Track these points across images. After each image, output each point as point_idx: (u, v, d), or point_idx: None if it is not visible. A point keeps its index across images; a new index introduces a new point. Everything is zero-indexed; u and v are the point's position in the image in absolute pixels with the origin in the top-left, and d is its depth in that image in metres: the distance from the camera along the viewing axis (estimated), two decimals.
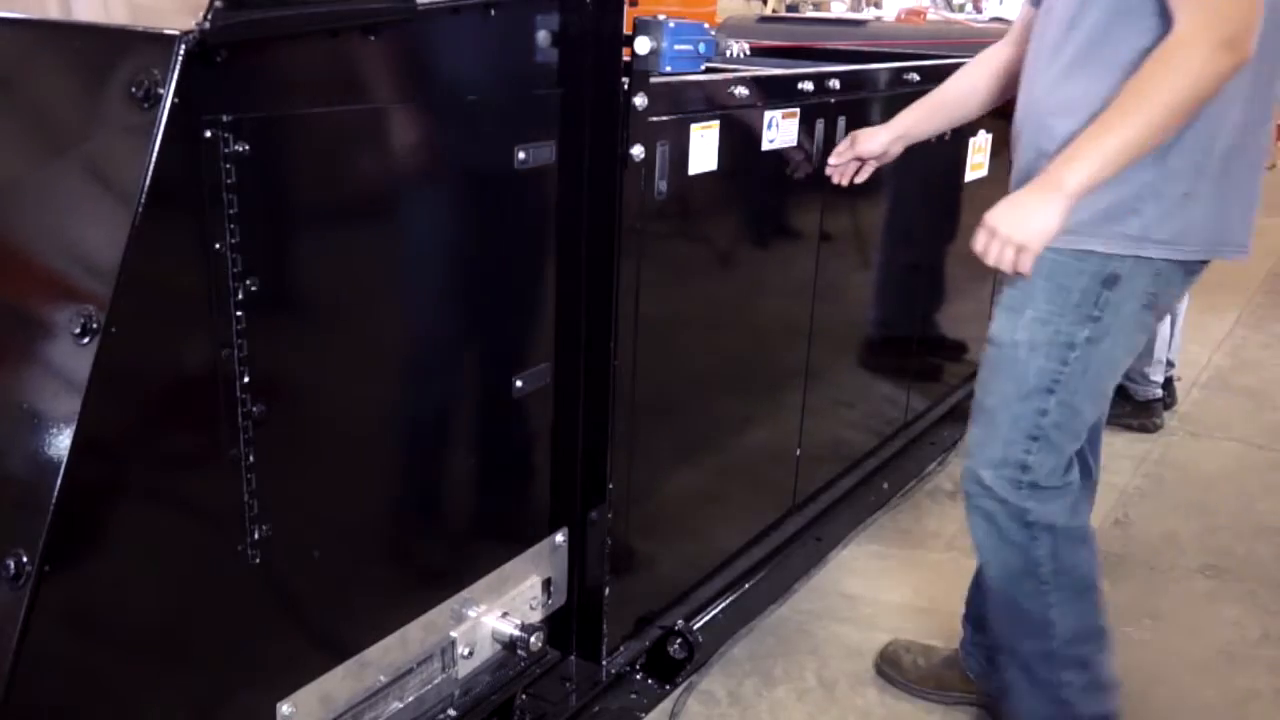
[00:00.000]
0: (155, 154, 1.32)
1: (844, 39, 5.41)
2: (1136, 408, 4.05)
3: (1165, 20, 1.72)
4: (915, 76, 3.12)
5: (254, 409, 1.53)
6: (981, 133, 3.51)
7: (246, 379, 1.51)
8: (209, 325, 1.46)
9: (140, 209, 1.31)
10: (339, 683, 1.80)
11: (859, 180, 2.56)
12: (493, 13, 1.77)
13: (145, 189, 1.31)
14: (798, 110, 2.52)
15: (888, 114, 2.59)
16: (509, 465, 2.10)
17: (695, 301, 2.41)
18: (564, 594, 2.28)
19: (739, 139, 2.35)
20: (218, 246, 1.44)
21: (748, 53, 2.63)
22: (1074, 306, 1.90)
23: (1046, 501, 2.03)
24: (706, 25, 2.10)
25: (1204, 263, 1.94)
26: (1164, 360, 4.09)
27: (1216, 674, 2.66)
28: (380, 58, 1.61)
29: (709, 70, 2.25)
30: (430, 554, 1.96)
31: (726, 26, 5.72)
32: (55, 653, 1.35)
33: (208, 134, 1.39)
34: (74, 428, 1.30)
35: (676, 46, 2.02)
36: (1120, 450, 3.91)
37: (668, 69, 2.03)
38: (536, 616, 2.20)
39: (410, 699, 1.97)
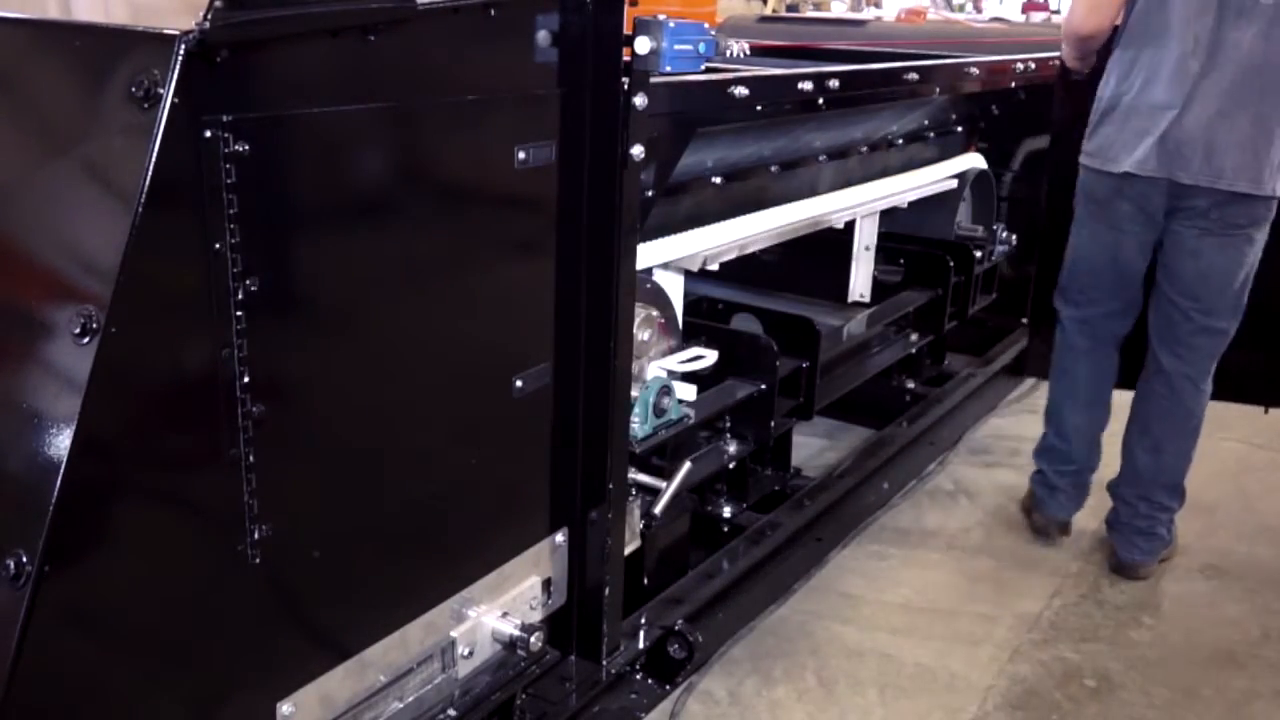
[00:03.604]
0: (155, 154, 1.32)
1: (844, 39, 5.42)
2: None
3: None
4: (915, 76, 3.12)
5: (254, 409, 1.53)
6: None
7: (246, 379, 1.51)
8: (209, 325, 1.46)
9: (140, 209, 1.31)
10: (339, 683, 1.80)
11: None
12: (493, 13, 1.77)
13: (145, 189, 1.31)
14: None
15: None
16: (509, 465, 2.09)
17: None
18: (564, 594, 2.28)
19: None
20: (218, 246, 1.44)
21: (748, 53, 2.64)
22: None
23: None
24: (706, 25, 2.10)
25: (1124, 178, 2.85)
26: None
27: (1216, 674, 2.66)
28: (380, 58, 1.61)
29: (709, 70, 2.25)
30: (430, 554, 1.96)
31: (726, 26, 5.73)
32: (55, 653, 1.35)
33: (208, 134, 1.39)
34: (74, 428, 1.30)
35: (676, 46, 2.02)
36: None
37: (668, 69, 2.03)
38: (536, 616, 2.20)
39: (410, 699, 1.97)
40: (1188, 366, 2.94)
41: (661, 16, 2.01)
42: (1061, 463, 3.23)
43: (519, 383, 2.03)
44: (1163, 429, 3.01)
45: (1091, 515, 3.41)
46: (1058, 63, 3.67)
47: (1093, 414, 3.17)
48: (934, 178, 3.80)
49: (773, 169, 3.03)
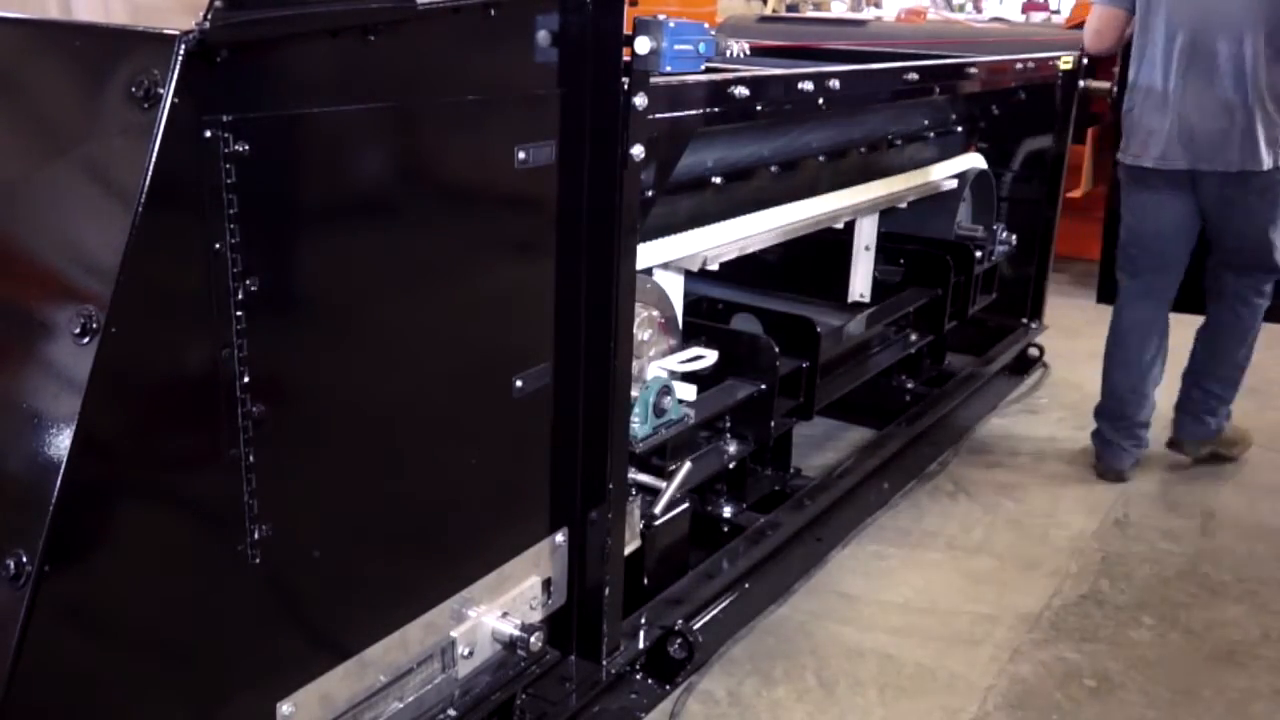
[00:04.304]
0: (155, 154, 1.32)
1: (844, 39, 5.42)
2: None
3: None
4: (915, 76, 3.13)
5: (254, 409, 1.53)
6: None
7: (246, 379, 1.51)
8: (209, 325, 1.46)
9: (140, 209, 1.31)
10: (339, 683, 1.80)
11: None
12: (493, 13, 1.77)
13: (145, 189, 1.31)
14: None
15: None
16: (509, 465, 2.09)
17: None
18: (564, 594, 2.28)
19: None
20: (218, 246, 1.44)
21: (748, 53, 2.64)
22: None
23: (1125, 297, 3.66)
24: (706, 25, 2.10)
25: (1146, 173, 3.43)
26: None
27: (1216, 674, 2.66)
28: (380, 58, 1.61)
29: (709, 70, 2.25)
30: (430, 554, 1.96)
31: (726, 26, 5.73)
32: (55, 652, 1.35)
33: (208, 134, 1.39)
34: (74, 428, 1.30)
35: (676, 46, 2.02)
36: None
37: (668, 69, 2.03)
38: (536, 616, 2.20)
39: (410, 699, 1.97)
40: (1243, 289, 3.53)
41: (661, 16, 2.01)
42: (1114, 419, 3.68)
43: (519, 383, 2.03)
44: (1221, 338, 3.63)
45: (1090, 515, 3.42)
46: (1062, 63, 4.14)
47: (1142, 377, 3.65)
48: (934, 178, 3.80)
49: (773, 169, 3.03)
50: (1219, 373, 3.67)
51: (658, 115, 2.07)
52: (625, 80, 1.98)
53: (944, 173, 3.88)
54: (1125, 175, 3.54)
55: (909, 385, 3.95)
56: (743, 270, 3.01)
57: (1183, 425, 3.77)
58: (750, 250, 2.86)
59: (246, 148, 1.43)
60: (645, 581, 2.56)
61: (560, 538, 2.24)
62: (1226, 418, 3.76)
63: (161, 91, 1.31)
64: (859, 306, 3.53)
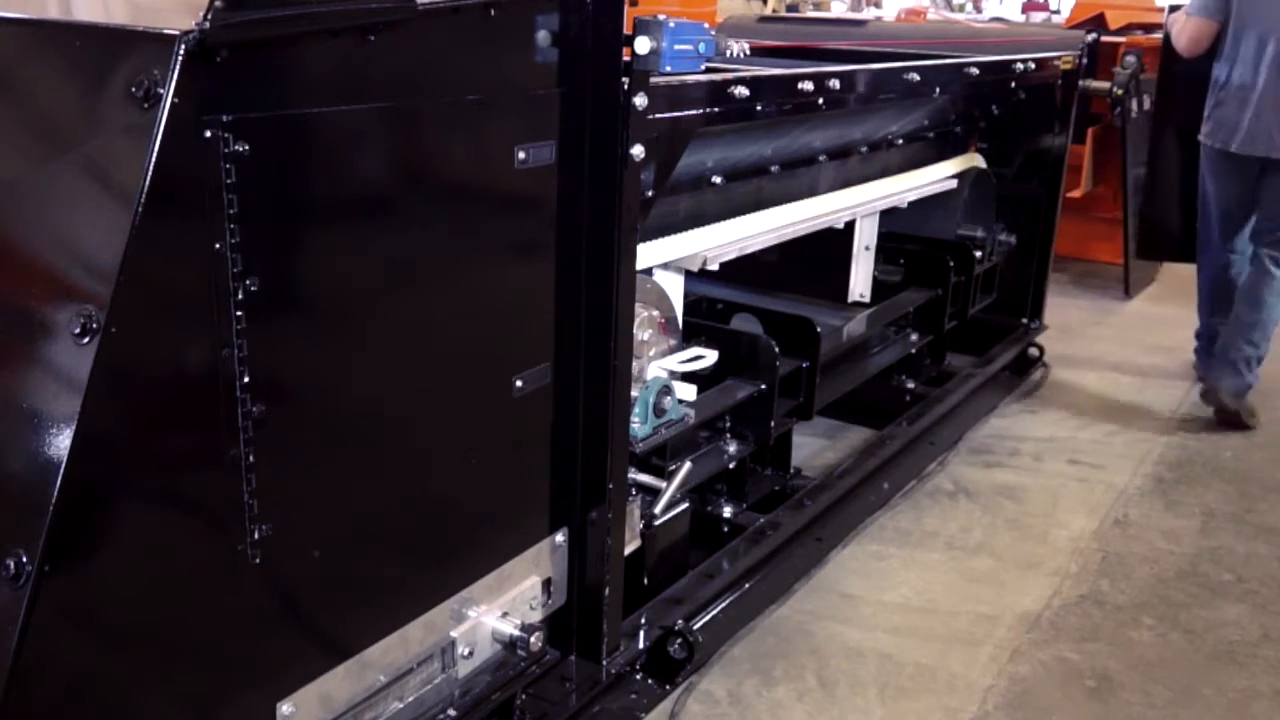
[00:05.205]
0: (155, 154, 1.32)
1: (844, 39, 5.41)
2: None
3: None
4: (915, 76, 3.13)
5: (254, 409, 1.53)
6: None
7: (246, 379, 1.51)
8: (209, 325, 1.46)
9: (140, 209, 1.31)
10: (339, 683, 1.80)
11: None
12: (493, 13, 1.77)
13: (145, 189, 1.32)
14: None
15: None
16: (509, 465, 2.10)
17: None
18: (564, 594, 2.28)
19: None
20: (218, 246, 1.44)
21: (748, 53, 2.64)
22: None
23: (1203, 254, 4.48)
24: (706, 25, 2.10)
25: (1228, 155, 4.11)
26: None
27: (1216, 674, 2.66)
28: (380, 58, 1.61)
29: (709, 70, 2.25)
30: (430, 554, 1.96)
31: (726, 26, 5.72)
32: (55, 652, 1.35)
33: (208, 134, 1.39)
34: (74, 428, 1.30)
35: (676, 46, 2.02)
36: (1120, 450, 3.91)
37: (668, 69, 2.03)
38: (536, 616, 2.20)
39: (410, 699, 1.97)
40: (1276, 251, 4.11)
41: (661, 16, 2.01)
42: (1208, 343, 4.38)
43: (519, 383, 2.03)
44: (1257, 291, 4.13)
45: (1090, 515, 3.42)
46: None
47: (1221, 314, 4.32)
48: (934, 178, 3.80)
49: (773, 169, 3.03)
50: (1256, 320, 4.13)
51: (658, 115, 2.07)
52: (625, 80, 1.98)
53: (944, 173, 3.89)
54: (1207, 154, 4.25)
55: (909, 385, 3.95)
56: (743, 270, 3.01)
57: (1221, 375, 4.14)
58: (750, 250, 2.86)
59: (246, 148, 1.43)
60: (645, 581, 2.57)
61: (560, 538, 2.24)
62: (1256, 378, 4.16)
63: (161, 91, 1.32)
64: (859, 306, 3.53)
